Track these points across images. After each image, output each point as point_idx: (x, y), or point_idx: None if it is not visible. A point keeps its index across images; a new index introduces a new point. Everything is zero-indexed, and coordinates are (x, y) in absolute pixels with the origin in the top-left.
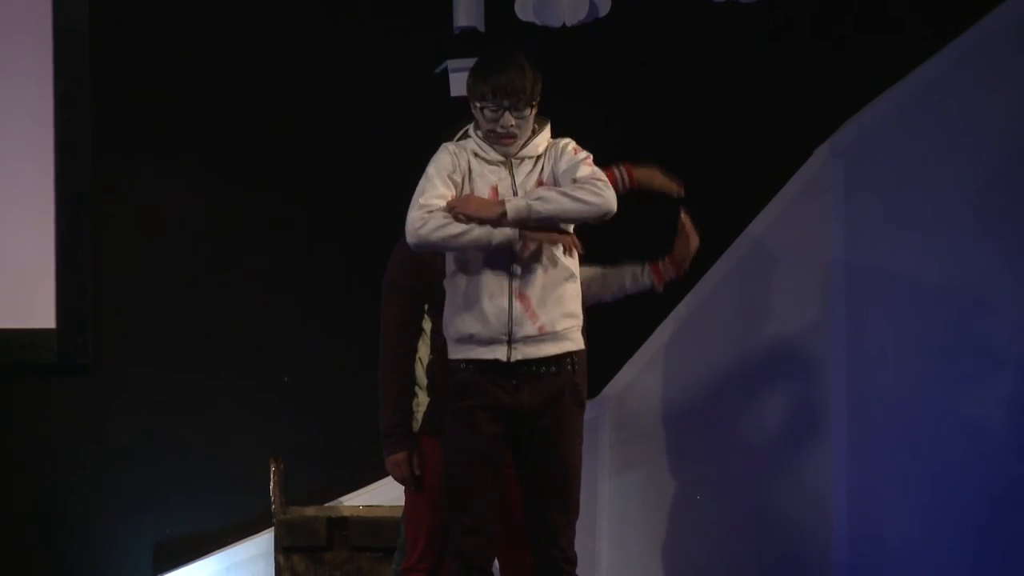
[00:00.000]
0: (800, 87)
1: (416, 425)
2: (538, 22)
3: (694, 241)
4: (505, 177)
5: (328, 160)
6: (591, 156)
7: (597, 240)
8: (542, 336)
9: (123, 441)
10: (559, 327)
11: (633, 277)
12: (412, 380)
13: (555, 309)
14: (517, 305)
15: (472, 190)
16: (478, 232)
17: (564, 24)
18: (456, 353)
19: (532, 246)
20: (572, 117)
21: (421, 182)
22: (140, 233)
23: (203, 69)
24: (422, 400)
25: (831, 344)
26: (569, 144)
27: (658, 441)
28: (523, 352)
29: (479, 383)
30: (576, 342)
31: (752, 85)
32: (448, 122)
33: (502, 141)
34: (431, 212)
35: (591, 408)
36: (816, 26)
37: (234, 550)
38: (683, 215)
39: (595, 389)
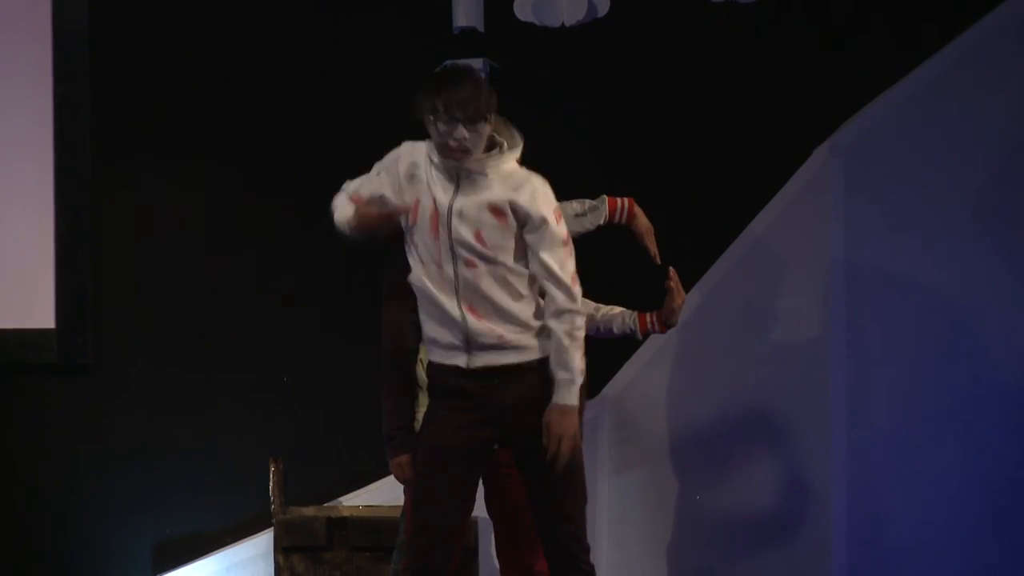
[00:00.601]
0: (800, 87)
1: (417, 426)
2: (537, 22)
3: (680, 298)
4: (448, 190)
5: (328, 160)
6: (563, 221)
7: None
8: (503, 346)
9: (123, 441)
10: (523, 341)
11: (622, 321)
12: (413, 381)
13: (513, 322)
14: (469, 316)
15: (412, 194)
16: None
17: (563, 24)
18: (429, 355)
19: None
20: (571, 117)
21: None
22: (140, 233)
23: (203, 69)
24: (423, 401)
25: (831, 344)
26: (546, 216)
27: (658, 441)
28: (483, 360)
29: (458, 384)
30: (543, 349)
31: (752, 85)
32: None
33: (454, 155)
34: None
35: (591, 408)
36: (816, 26)
37: (234, 550)
38: (671, 274)
39: (595, 389)
